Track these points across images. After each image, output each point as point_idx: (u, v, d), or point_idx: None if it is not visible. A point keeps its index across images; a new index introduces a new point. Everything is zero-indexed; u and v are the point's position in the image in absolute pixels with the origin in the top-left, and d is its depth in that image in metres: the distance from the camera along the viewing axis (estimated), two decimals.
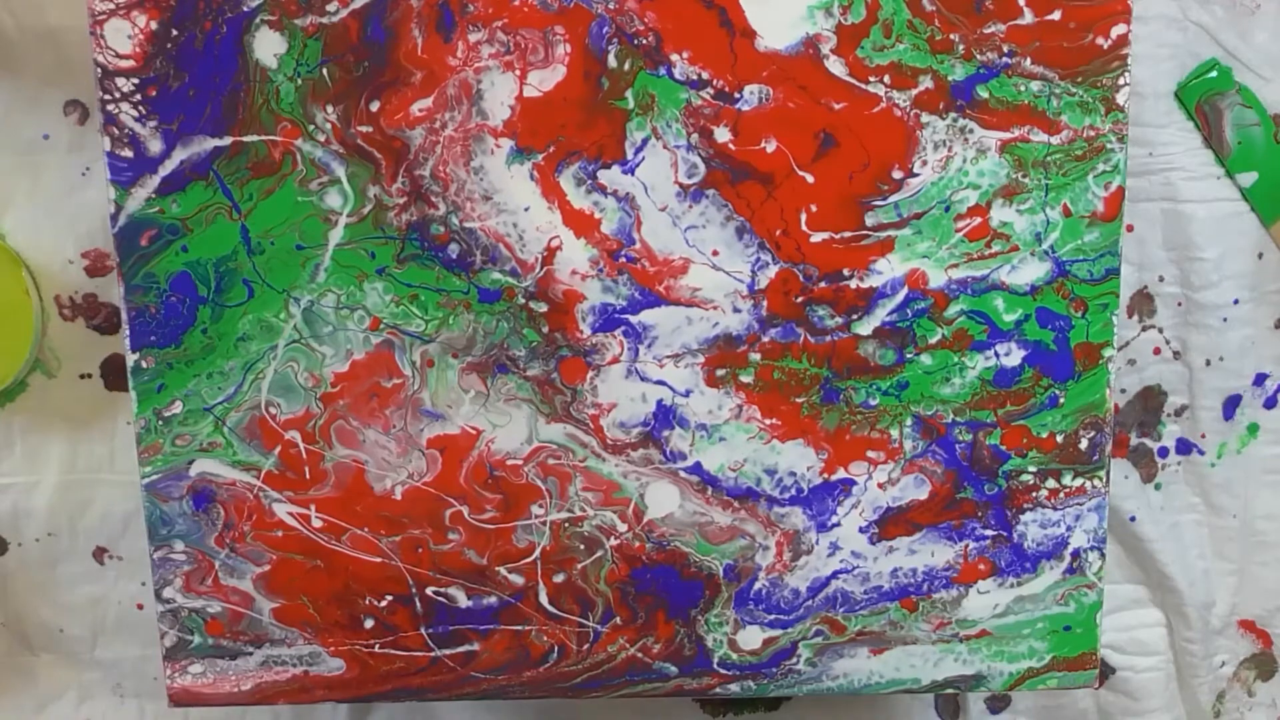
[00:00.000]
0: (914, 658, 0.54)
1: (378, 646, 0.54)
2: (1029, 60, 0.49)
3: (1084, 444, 0.52)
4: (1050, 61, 0.49)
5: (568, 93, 0.49)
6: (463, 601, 0.53)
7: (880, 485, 0.53)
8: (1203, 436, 0.59)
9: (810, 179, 0.50)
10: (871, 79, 0.49)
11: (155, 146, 0.49)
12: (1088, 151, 0.50)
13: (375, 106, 0.49)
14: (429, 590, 0.53)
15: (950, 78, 0.49)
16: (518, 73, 0.49)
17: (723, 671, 0.54)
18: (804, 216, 0.50)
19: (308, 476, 0.52)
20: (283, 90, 0.49)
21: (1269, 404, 0.60)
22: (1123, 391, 0.59)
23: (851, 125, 0.50)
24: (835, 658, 0.54)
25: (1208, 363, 0.58)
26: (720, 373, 0.51)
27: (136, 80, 0.49)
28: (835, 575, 0.53)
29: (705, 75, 0.49)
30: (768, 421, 0.52)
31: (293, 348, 0.51)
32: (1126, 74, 0.49)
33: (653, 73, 0.49)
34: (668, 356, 0.51)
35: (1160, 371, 0.59)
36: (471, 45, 0.49)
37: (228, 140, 0.49)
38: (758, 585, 0.53)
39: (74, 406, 0.58)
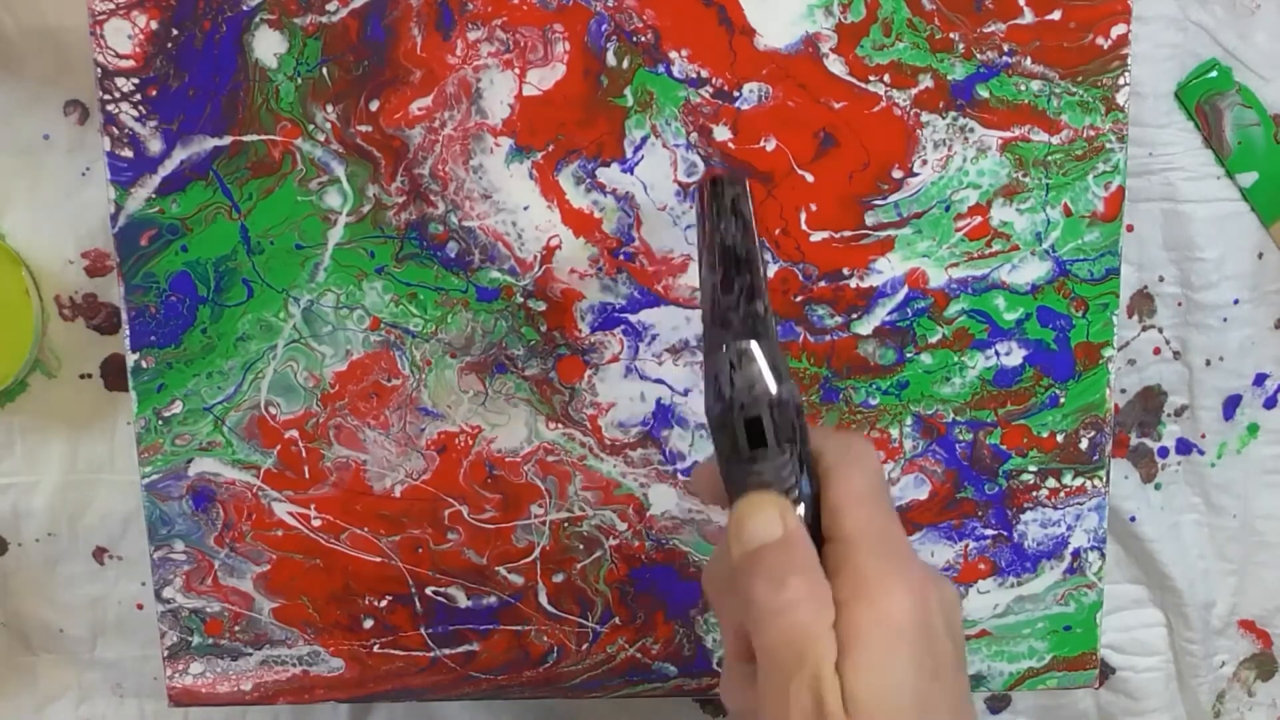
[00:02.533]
0: None
1: (377, 646, 0.54)
2: (1029, 59, 0.49)
3: (1084, 444, 0.52)
4: (1050, 61, 0.49)
5: (567, 91, 0.49)
6: (462, 601, 0.53)
7: None
8: (1203, 436, 0.59)
9: (810, 178, 0.50)
10: (871, 78, 0.49)
11: (155, 146, 0.49)
12: (1088, 151, 0.50)
13: (375, 106, 0.49)
14: (429, 590, 0.53)
15: (950, 77, 0.49)
16: (517, 71, 0.49)
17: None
18: (804, 215, 0.50)
19: (307, 476, 0.52)
20: (282, 90, 0.49)
21: (1269, 404, 0.60)
22: (1123, 391, 0.59)
23: (851, 124, 0.50)
24: None
25: (1208, 363, 0.58)
26: None
27: (136, 80, 0.49)
28: None
29: (704, 74, 0.49)
30: None
31: (292, 347, 0.51)
32: (1126, 74, 0.49)
33: (652, 70, 0.49)
34: (667, 351, 0.51)
35: (1160, 371, 0.59)
36: (471, 44, 0.49)
37: (228, 140, 0.49)
38: None
39: (74, 406, 0.58)
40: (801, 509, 0.38)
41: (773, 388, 0.38)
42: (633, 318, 0.51)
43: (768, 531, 0.37)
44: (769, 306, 0.39)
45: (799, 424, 0.38)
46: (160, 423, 0.52)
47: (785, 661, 0.36)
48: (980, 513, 0.53)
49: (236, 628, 0.53)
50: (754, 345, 0.38)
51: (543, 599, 0.53)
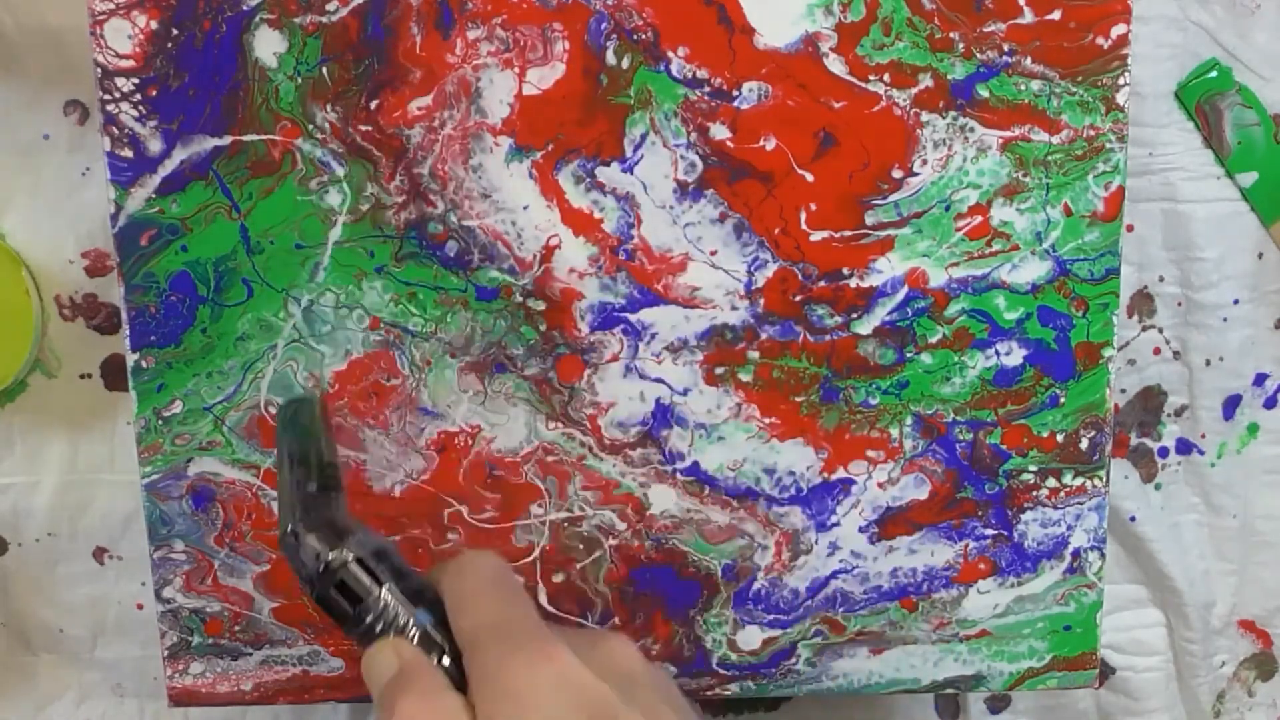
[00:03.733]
0: (914, 658, 0.54)
1: None
2: (1029, 59, 0.49)
3: (1084, 444, 0.52)
4: (1050, 61, 0.49)
5: (567, 90, 0.49)
6: None
7: (880, 485, 0.52)
8: (1203, 436, 0.59)
9: (810, 178, 0.50)
10: (871, 77, 0.49)
11: (155, 146, 0.49)
12: (1088, 151, 0.50)
13: (374, 105, 0.49)
14: None
15: (950, 76, 0.49)
16: (516, 70, 0.49)
17: (722, 672, 0.54)
18: (804, 215, 0.50)
19: None
20: (282, 89, 0.49)
21: (1269, 404, 0.60)
22: (1123, 391, 0.59)
23: (851, 124, 0.50)
24: (835, 658, 0.54)
25: (1208, 363, 0.58)
26: (719, 371, 0.51)
27: (136, 80, 0.49)
28: (835, 575, 0.53)
29: (703, 74, 0.49)
30: (767, 420, 0.52)
31: (292, 347, 0.51)
32: (1126, 74, 0.49)
33: (652, 69, 0.49)
34: (666, 350, 0.51)
35: (1160, 371, 0.59)
36: (470, 43, 0.49)
37: (227, 140, 0.49)
38: (757, 585, 0.53)
39: (74, 406, 0.58)
40: (415, 636, 0.39)
41: (332, 553, 0.40)
42: (632, 317, 0.51)
43: (386, 671, 0.38)
44: (333, 479, 0.43)
45: (383, 566, 0.40)
46: (160, 423, 0.52)
47: None
48: (980, 513, 0.53)
49: (236, 627, 0.53)
50: (300, 526, 0.41)
51: (543, 599, 0.53)
